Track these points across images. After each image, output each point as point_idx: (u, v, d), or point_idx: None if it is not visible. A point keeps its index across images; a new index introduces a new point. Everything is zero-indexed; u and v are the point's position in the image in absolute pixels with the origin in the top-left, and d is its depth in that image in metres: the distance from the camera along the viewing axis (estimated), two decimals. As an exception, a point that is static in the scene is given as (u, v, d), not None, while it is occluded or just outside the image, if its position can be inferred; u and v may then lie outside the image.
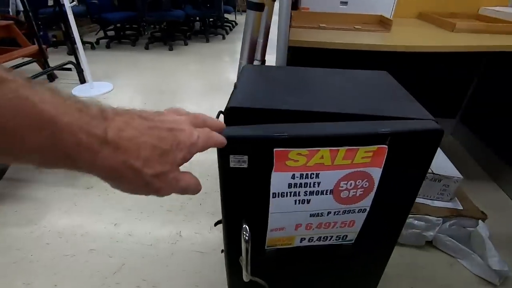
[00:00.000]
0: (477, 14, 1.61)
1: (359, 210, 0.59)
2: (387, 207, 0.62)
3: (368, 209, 0.59)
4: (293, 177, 0.52)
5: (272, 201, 0.55)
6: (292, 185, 0.54)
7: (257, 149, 0.50)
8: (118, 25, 4.30)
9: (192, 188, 0.32)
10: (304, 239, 0.64)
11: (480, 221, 1.09)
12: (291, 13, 1.33)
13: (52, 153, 0.22)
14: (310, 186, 0.54)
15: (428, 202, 1.16)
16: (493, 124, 1.65)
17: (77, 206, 1.34)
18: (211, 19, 5.12)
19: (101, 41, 4.17)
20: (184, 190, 0.31)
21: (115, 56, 3.75)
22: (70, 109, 0.22)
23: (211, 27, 5.11)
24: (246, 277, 0.63)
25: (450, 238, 1.12)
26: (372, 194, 0.57)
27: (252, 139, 0.49)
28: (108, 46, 4.03)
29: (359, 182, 0.54)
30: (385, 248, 0.74)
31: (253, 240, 0.59)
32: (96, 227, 1.24)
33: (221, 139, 0.36)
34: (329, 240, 0.65)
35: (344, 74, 0.75)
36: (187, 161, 0.30)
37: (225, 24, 5.23)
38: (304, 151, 0.50)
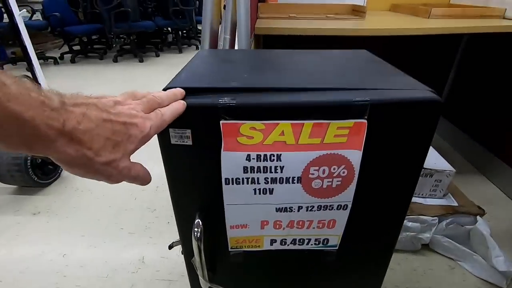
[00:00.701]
0: (449, 3, 1.57)
1: (338, 206, 0.47)
2: (375, 204, 0.50)
3: (349, 205, 0.47)
4: (248, 158, 0.42)
5: (225, 189, 0.44)
6: (248, 169, 0.43)
7: (201, 120, 0.40)
8: (84, 39, 4.10)
9: (141, 177, 0.34)
10: (275, 241, 0.52)
11: (478, 217, 0.99)
12: (257, 5, 1.23)
13: (14, 141, 0.24)
14: (271, 171, 0.43)
15: (420, 200, 1.05)
16: (476, 115, 1.59)
17: (19, 236, 1.13)
18: (184, 31, 5.02)
19: (65, 55, 3.94)
20: (134, 179, 0.33)
21: (81, 70, 3.53)
22: (34, 103, 0.24)
23: (185, 39, 5.00)
24: (203, 284, 0.51)
25: (448, 239, 1.01)
26: (353, 186, 0.45)
27: (193, 108, 0.39)
28: (73, 61, 3.81)
29: (334, 168, 0.43)
30: (379, 257, 0.60)
31: (212, 239, 0.50)
32: (41, 260, 1.03)
33: (176, 113, 0.37)
34: (306, 244, 0.53)
35: (317, 54, 0.63)
36: (137, 149, 0.32)
37: (198, 35, 5.13)
38: (258, 124, 0.39)
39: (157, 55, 4.14)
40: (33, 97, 0.24)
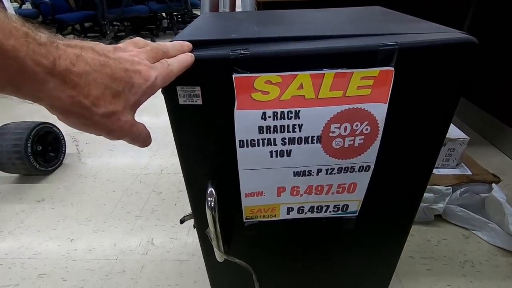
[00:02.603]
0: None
1: (360, 167, 0.44)
2: (398, 164, 0.47)
3: (372, 166, 0.44)
4: (263, 117, 0.38)
5: (239, 152, 0.41)
6: (264, 129, 0.39)
7: (211, 75, 0.36)
8: (77, 27, 3.99)
9: (143, 137, 0.31)
10: (292, 209, 0.50)
11: (494, 185, 0.96)
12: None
13: None
14: (289, 131, 0.39)
15: (433, 170, 1.02)
16: (484, 84, 1.54)
17: (24, 223, 1.11)
18: (179, 16, 4.88)
19: (59, 45, 3.84)
20: (135, 138, 0.30)
21: (76, 59, 3.45)
22: (16, 32, 0.20)
23: (180, 23, 4.86)
24: (219, 256, 0.50)
25: (461, 209, 0.99)
26: (376, 145, 0.42)
27: (202, 61, 0.35)
28: (67, 50, 3.71)
29: (357, 125, 0.39)
30: (400, 224, 0.58)
31: (226, 209, 0.47)
32: (48, 246, 1.02)
33: (184, 65, 0.33)
34: (325, 211, 0.50)
35: (329, 11, 0.59)
36: (142, 104, 0.29)
37: (194, 19, 4.99)
38: (275, 77, 0.36)
39: (153, 41, 4.02)
40: (14, 25, 0.20)
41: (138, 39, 0.32)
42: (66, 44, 0.23)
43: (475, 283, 0.85)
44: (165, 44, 0.33)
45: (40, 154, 1.34)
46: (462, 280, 0.86)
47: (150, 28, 4.53)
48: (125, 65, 0.27)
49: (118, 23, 4.48)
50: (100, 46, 0.26)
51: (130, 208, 1.17)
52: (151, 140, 0.33)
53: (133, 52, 0.29)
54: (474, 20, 1.55)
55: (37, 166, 1.29)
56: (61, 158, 1.45)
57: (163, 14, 4.76)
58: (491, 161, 1.34)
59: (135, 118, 0.29)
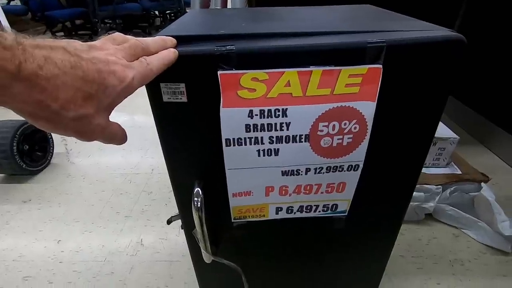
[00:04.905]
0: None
1: (349, 167, 0.44)
2: (387, 164, 0.46)
3: (361, 165, 0.44)
4: (250, 115, 0.37)
5: (226, 151, 0.40)
6: (251, 128, 0.38)
7: (196, 72, 0.35)
8: (68, 24, 3.92)
9: (118, 138, 0.31)
10: (281, 209, 0.49)
11: (483, 184, 0.97)
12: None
13: None
14: (276, 129, 0.39)
15: (424, 170, 1.02)
16: (473, 83, 1.56)
17: (9, 225, 1.08)
18: (172, 14, 4.84)
19: (49, 43, 3.77)
20: (108, 139, 0.30)
21: (66, 57, 3.39)
22: None
23: (173, 21, 4.83)
24: (206, 257, 0.49)
25: (452, 207, 1.00)
26: (365, 143, 0.41)
27: (186, 57, 0.34)
28: (57, 48, 3.65)
29: (345, 124, 0.39)
30: (390, 223, 0.58)
31: (213, 209, 0.46)
32: (34, 247, 0.99)
33: (166, 62, 0.32)
34: (314, 211, 0.50)
35: (320, 8, 0.58)
36: (117, 105, 0.28)
37: (187, 17, 4.95)
38: (261, 74, 0.35)
39: (145, 39, 4.00)
40: None
41: (117, 34, 0.30)
42: (34, 45, 0.22)
43: (464, 281, 0.86)
44: (146, 39, 0.32)
45: (26, 154, 1.30)
46: (451, 279, 0.86)
47: (142, 26, 4.48)
48: (99, 66, 0.25)
49: (110, 21, 4.42)
50: (73, 44, 0.25)
51: (120, 209, 1.15)
52: (126, 138, 0.32)
53: (110, 50, 0.28)
54: (465, 19, 1.56)
55: (24, 165, 1.26)
56: (48, 158, 1.41)
57: (156, 12, 4.71)
58: (480, 160, 1.35)
59: (109, 118, 0.28)
